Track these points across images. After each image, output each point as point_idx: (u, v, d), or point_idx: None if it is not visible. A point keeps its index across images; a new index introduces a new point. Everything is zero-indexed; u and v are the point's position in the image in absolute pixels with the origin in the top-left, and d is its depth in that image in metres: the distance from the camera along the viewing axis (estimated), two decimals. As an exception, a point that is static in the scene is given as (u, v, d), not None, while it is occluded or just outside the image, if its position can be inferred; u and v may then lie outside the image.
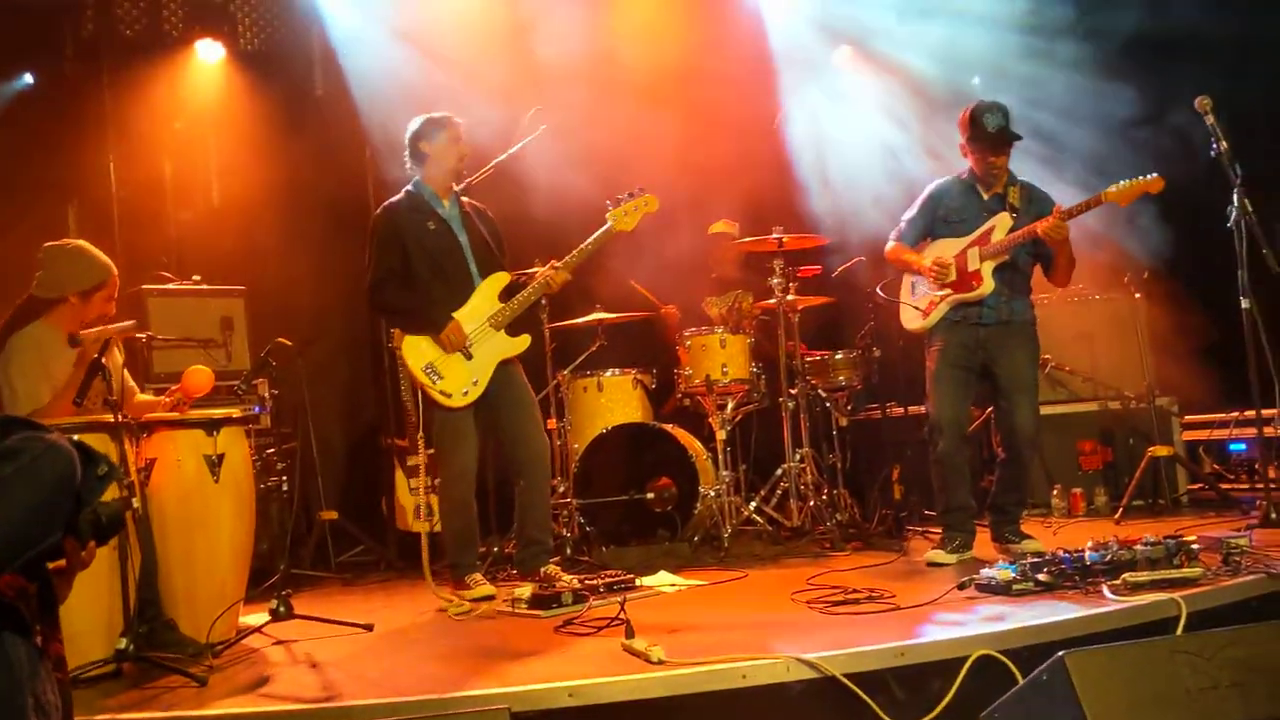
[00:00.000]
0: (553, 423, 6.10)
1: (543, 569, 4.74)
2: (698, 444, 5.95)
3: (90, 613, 3.61)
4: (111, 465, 1.89)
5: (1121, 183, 4.58)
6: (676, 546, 5.55)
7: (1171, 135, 5.71)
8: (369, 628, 4.12)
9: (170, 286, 6.25)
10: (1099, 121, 6.55)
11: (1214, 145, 4.80)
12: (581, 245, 4.86)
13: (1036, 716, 2.62)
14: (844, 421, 6.37)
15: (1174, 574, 3.64)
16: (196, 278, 6.36)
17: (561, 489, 5.89)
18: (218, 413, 4.25)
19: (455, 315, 4.74)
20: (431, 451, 4.97)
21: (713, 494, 5.66)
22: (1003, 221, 4.87)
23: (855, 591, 4.05)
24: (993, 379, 4.91)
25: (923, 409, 5.21)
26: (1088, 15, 6.93)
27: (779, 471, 5.95)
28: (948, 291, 4.94)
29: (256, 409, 4.67)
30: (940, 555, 4.80)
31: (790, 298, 5.95)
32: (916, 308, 5.09)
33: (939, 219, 5.05)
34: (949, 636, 3.19)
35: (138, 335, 4.72)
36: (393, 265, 4.78)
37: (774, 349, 5.99)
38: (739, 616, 4.01)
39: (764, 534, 5.67)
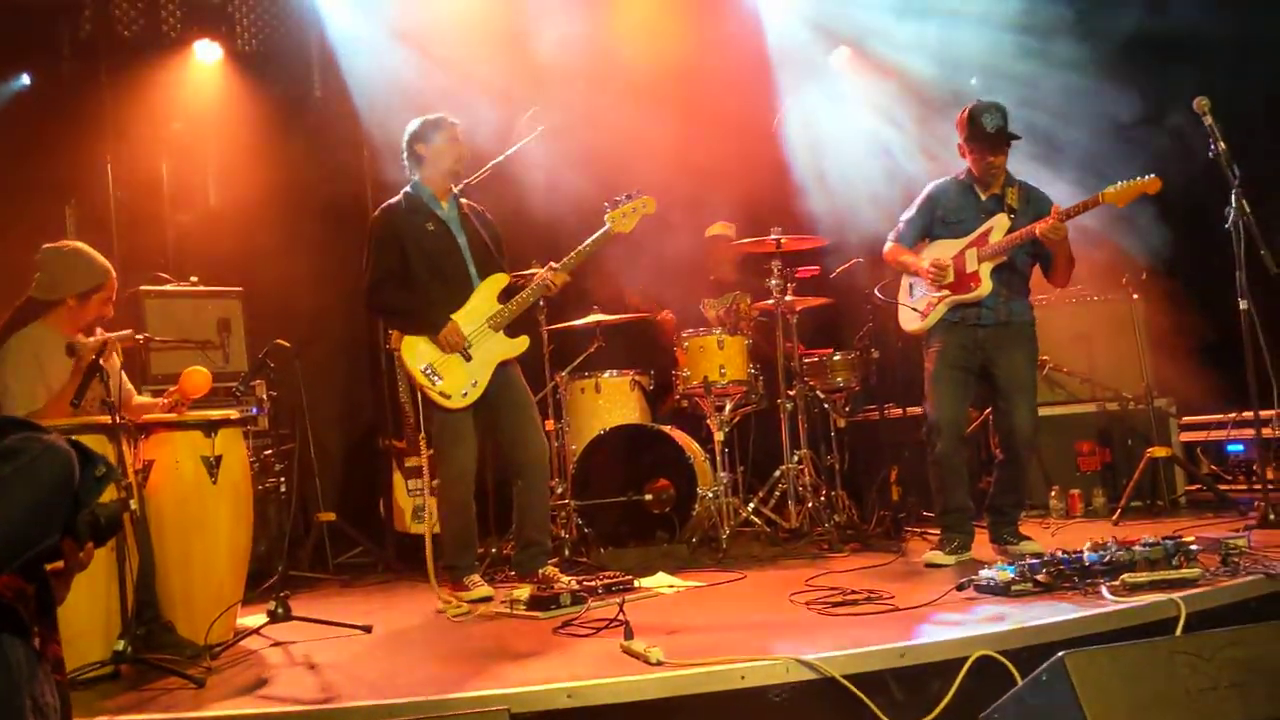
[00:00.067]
0: (551, 424, 6.10)
1: (541, 570, 4.74)
2: (696, 445, 5.95)
3: (88, 614, 3.60)
4: (110, 466, 1.88)
5: (1119, 184, 4.58)
6: (675, 548, 5.55)
7: (1170, 136, 5.71)
8: (367, 629, 4.12)
9: (168, 288, 6.25)
10: (1097, 122, 6.55)
11: (1212, 146, 4.80)
12: (580, 247, 4.86)
13: (1036, 717, 2.61)
14: (842, 423, 6.37)
15: (1173, 575, 3.64)
16: (194, 279, 6.37)
17: (559, 490, 5.88)
18: (215, 414, 4.24)
19: (454, 316, 4.73)
20: (431, 453, 4.97)
21: (711, 495, 5.66)
22: (1000, 223, 4.87)
23: (854, 592, 4.05)
24: (991, 380, 4.91)
25: (921, 410, 5.21)
26: (1086, 15, 6.93)
27: (777, 473, 5.94)
28: (946, 293, 4.94)
29: (254, 410, 4.67)
30: (939, 556, 4.80)
31: (788, 299, 5.95)
32: (915, 309, 5.09)
33: (937, 220, 5.05)
34: (948, 637, 3.19)
35: (136, 337, 4.72)
36: (391, 266, 4.78)
37: (772, 350, 5.99)
38: (737, 618, 4.01)
39: (762, 535, 5.67)
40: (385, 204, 4.93)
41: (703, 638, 3.53)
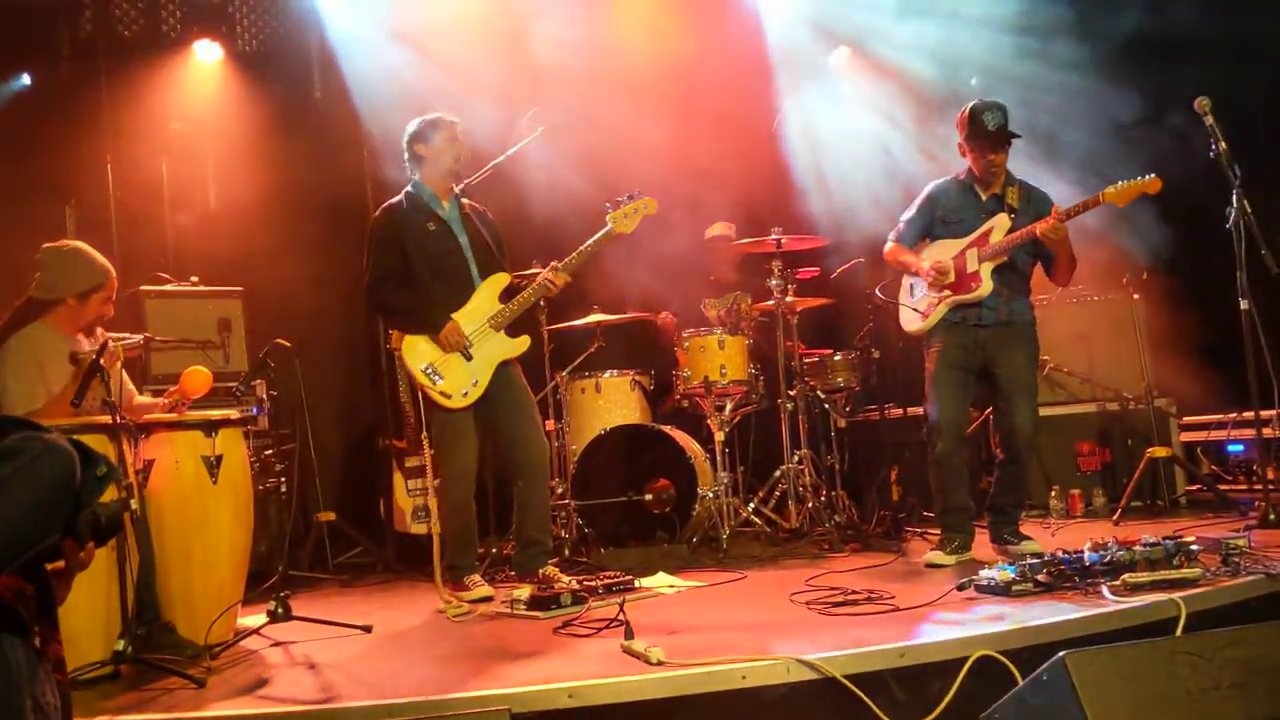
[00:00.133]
0: (551, 424, 6.10)
1: (541, 570, 4.74)
2: (696, 445, 5.95)
3: (88, 614, 3.60)
4: (111, 466, 1.88)
5: (1120, 183, 4.58)
6: (675, 548, 5.55)
7: (1170, 136, 5.71)
8: (368, 629, 4.12)
9: (168, 288, 6.25)
10: (1097, 122, 6.55)
11: (1213, 146, 4.80)
12: (581, 247, 4.85)
13: (1037, 717, 2.61)
14: (842, 423, 6.37)
15: (1173, 575, 3.64)
16: (194, 279, 6.37)
17: (560, 490, 5.89)
18: (216, 414, 4.24)
19: (454, 316, 4.73)
20: (432, 452, 4.97)
21: (711, 495, 5.66)
22: (1001, 223, 4.87)
23: (854, 593, 4.05)
24: (992, 380, 4.91)
25: (921, 410, 5.21)
26: (1087, 15, 6.93)
27: (777, 473, 5.95)
28: (946, 293, 4.94)
29: (255, 410, 4.66)
30: (939, 557, 4.80)
31: (789, 299, 5.95)
32: (915, 309, 5.09)
33: (937, 220, 5.05)
34: (949, 637, 3.19)
35: (135, 337, 4.72)
36: (392, 266, 4.78)
37: (773, 350, 5.99)
38: (738, 617, 4.00)
39: (762, 535, 5.67)
40: (386, 203, 4.93)
41: (703, 638, 3.53)
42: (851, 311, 6.71)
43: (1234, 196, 4.82)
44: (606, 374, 6.23)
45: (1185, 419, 6.84)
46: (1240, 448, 6.72)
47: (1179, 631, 3.25)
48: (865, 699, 2.94)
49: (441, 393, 4.69)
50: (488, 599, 4.59)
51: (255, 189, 6.98)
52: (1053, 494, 6.37)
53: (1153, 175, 4.54)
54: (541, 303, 5.55)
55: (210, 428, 4.12)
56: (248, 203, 6.97)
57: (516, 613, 4.23)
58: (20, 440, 1.76)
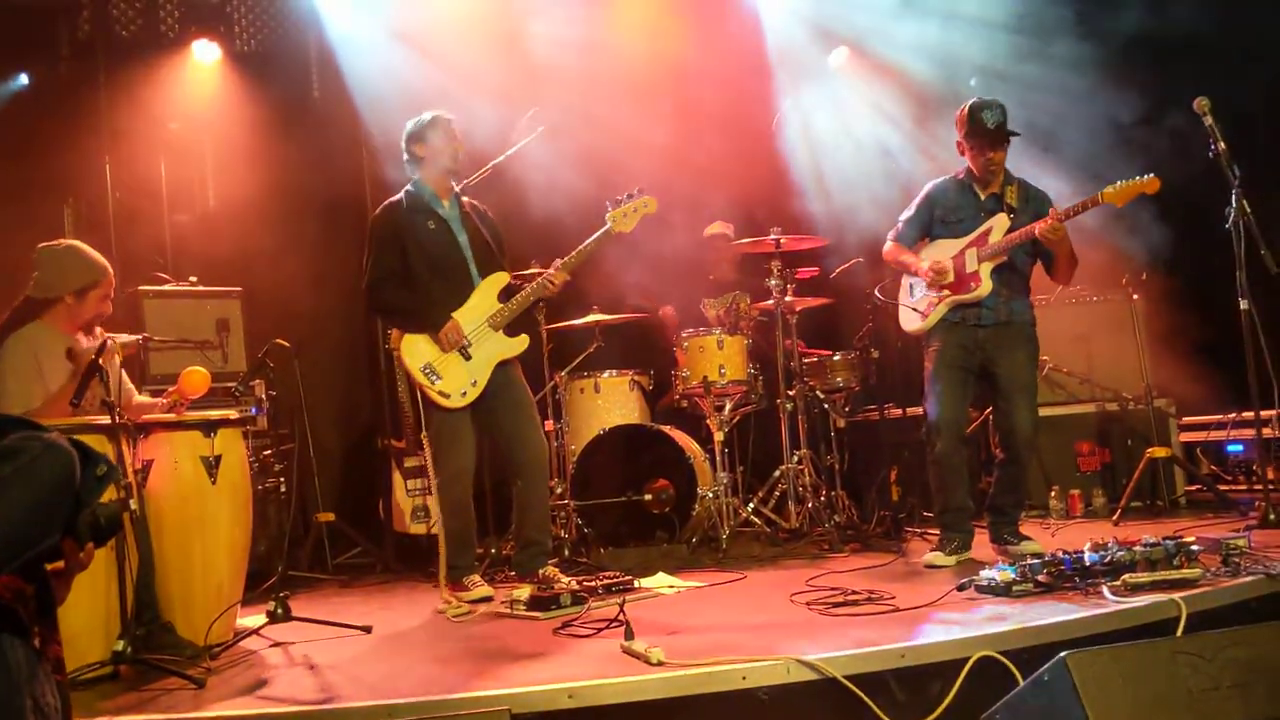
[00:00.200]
0: (550, 424, 6.09)
1: (541, 570, 4.73)
2: (695, 445, 5.95)
3: (88, 614, 3.60)
4: (111, 465, 1.87)
5: (1118, 183, 4.58)
6: (674, 548, 5.55)
7: (1170, 136, 5.71)
8: (367, 630, 4.11)
9: (166, 288, 6.24)
10: (1097, 122, 6.55)
11: (1212, 146, 4.80)
12: (580, 246, 4.85)
13: (1038, 717, 2.61)
14: (842, 423, 6.37)
15: (1173, 575, 3.63)
16: (193, 279, 6.36)
17: (559, 490, 5.88)
18: (215, 414, 4.24)
19: (454, 315, 4.72)
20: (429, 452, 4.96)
21: (710, 495, 5.65)
22: (1000, 222, 4.87)
23: (855, 593, 4.05)
24: (992, 380, 4.91)
25: (921, 410, 5.20)
26: (1086, 15, 6.93)
27: (777, 473, 5.95)
28: (946, 293, 4.93)
29: (254, 410, 4.64)
30: (938, 557, 4.80)
31: (788, 299, 5.95)
32: (915, 309, 5.08)
33: (936, 219, 5.04)
34: (949, 638, 3.18)
35: (134, 337, 4.71)
36: (392, 265, 4.77)
37: (772, 350, 5.99)
38: (738, 618, 4.00)
39: (762, 535, 5.67)
40: (387, 202, 4.93)
41: (703, 638, 3.53)
42: (851, 311, 6.71)
43: (1233, 197, 4.82)
44: (605, 374, 6.23)
45: (1185, 419, 6.84)
46: (1240, 448, 6.71)
47: (1179, 632, 3.25)
48: (866, 699, 2.94)
49: (440, 392, 4.68)
50: (487, 599, 4.59)
51: (254, 189, 6.97)
52: (1052, 494, 6.37)
53: (1151, 175, 4.53)
54: (540, 303, 5.54)
55: (209, 428, 4.12)
56: (246, 203, 6.97)
57: (516, 613, 4.23)
58: (20, 440, 1.76)
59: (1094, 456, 6.55)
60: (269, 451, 6.08)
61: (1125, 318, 6.50)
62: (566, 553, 5.68)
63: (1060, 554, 3.84)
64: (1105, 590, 3.57)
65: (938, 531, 5.02)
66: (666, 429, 5.92)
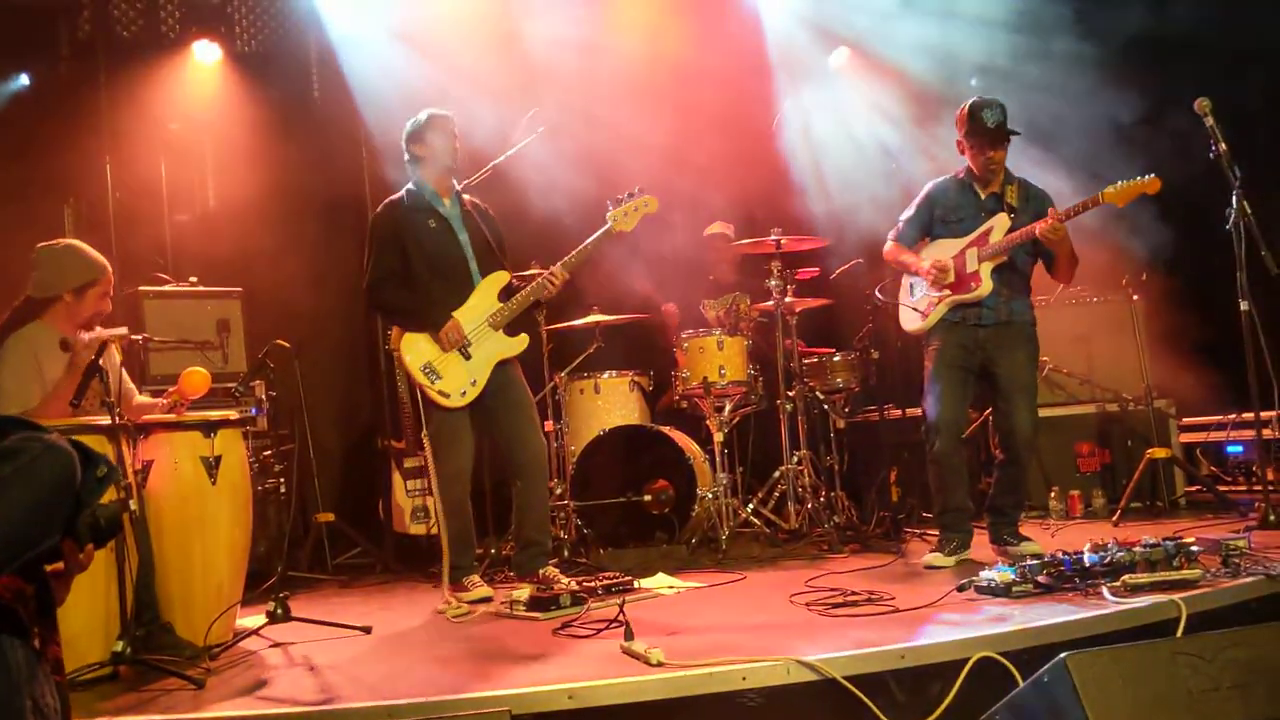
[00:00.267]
0: (550, 425, 6.09)
1: (541, 571, 4.73)
2: (695, 446, 5.95)
3: (87, 615, 3.60)
4: (111, 466, 1.87)
5: (1119, 183, 4.58)
6: (674, 548, 5.55)
7: (1170, 136, 5.71)
8: (367, 630, 4.12)
9: (167, 288, 6.24)
10: (1097, 122, 6.55)
11: (1213, 147, 4.80)
12: (581, 246, 4.85)
13: (1038, 718, 2.61)
14: (842, 424, 6.37)
15: (1173, 576, 3.63)
16: (193, 279, 6.36)
17: (559, 491, 5.88)
18: (215, 415, 4.23)
19: (454, 314, 4.72)
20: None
21: (710, 496, 5.65)
22: (1001, 222, 4.87)
23: (854, 593, 4.05)
24: (992, 380, 4.91)
25: (920, 411, 5.20)
26: (1086, 15, 6.94)
27: (776, 474, 5.94)
28: (946, 293, 4.93)
29: (253, 411, 4.64)
30: (938, 558, 4.79)
31: (788, 300, 5.95)
32: (915, 309, 5.08)
33: (937, 219, 5.04)
34: (949, 638, 3.18)
35: (134, 337, 4.71)
36: (392, 264, 4.77)
37: (772, 351, 5.99)
38: (738, 618, 4.00)
39: (761, 536, 5.66)
40: (387, 200, 4.92)
41: (703, 639, 3.53)
42: (851, 312, 6.71)
43: (1234, 197, 4.82)
44: (605, 374, 6.23)
45: (1185, 420, 6.85)
46: (1239, 449, 6.72)
47: (1179, 633, 3.25)
48: (865, 700, 2.94)
49: (440, 392, 4.68)
50: (487, 600, 4.59)
51: (254, 189, 6.97)
52: (1052, 495, 6.37)
53: (1152, 175, 4.53)
54: (541, 305, 5.52)
55: (209, 428, 4.11)
56: (247, 203, 6.97)
57: (516, 614, 4.22)
58: (20, 441, 1.76)
59: (1094, 457, 6.55)
60: (269, 452, 6.07)
61: (1125, 318, 6.50)
62: (566, 553, 5.67)
63: (1060, 555, 3.84)
64: (1105, 591, 3.57)
65: (937, 532, 5.02)
66: (666, 430, 5.92)
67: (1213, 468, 6.87)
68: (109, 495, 1.93)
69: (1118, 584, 3.59)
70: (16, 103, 6.90)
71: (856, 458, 6.64)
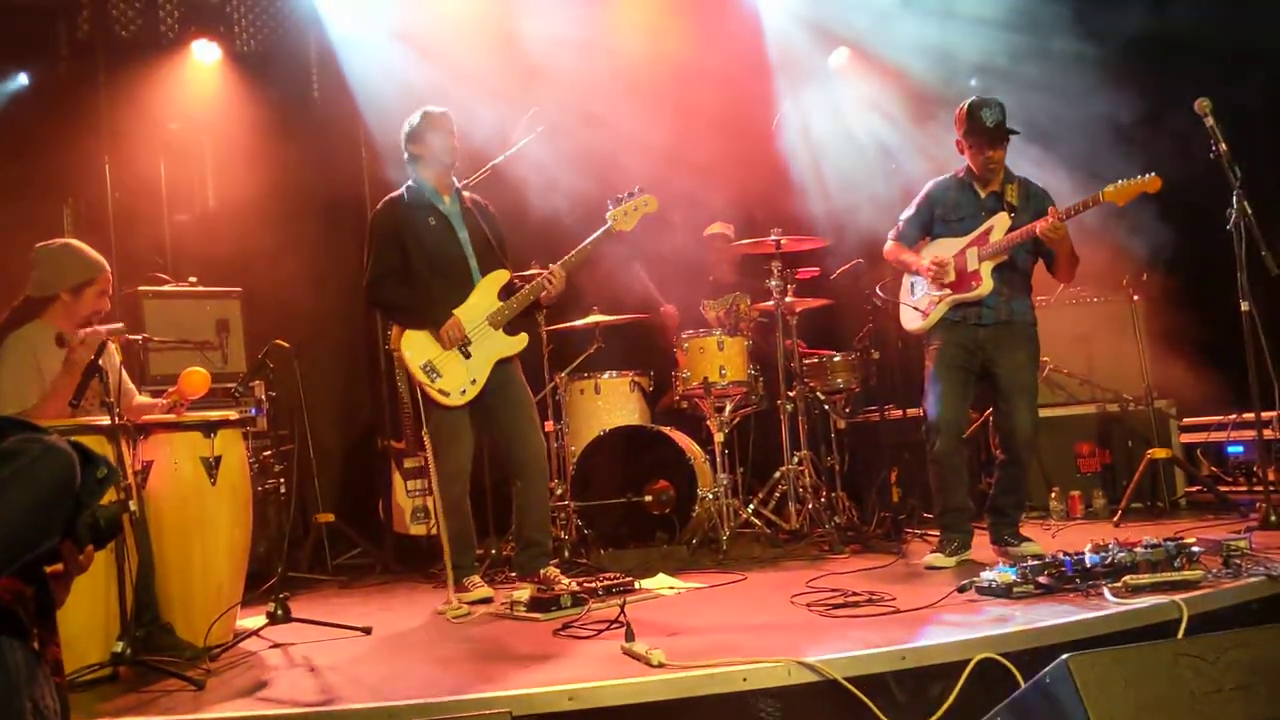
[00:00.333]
0: (550, 425, 6.09)
1: (541, 571, 4.73)
2: (695, 446, 5.95)
3: (87, 616, 3.59)
4: (111, 467, 1.86)
5: (1119, 182, 4.58)
6: (675, 549, 5.54)
7: (1170, 136, 5.71)
8: (367, 631, 4.11)
9: (166, 288, 6.24)
10: (1098, 122, 6.55)
11: (1214, 147, 4.80)
12: (581, 245, 4.84)
13: (1040, 719, 2.60)
14: (842, 424, 6.37)
15: (1175, 577, 3.63)
16: (192, 279, 6.36)
17: (559, 491, 5.87)
18: (214, 415, 4.23)
19: (455, 312, 4.71)
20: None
21: (711, 496, 5.65)
22: (1001, 221, 4.87)
23: (855, 594, 4.04)
24: (992, 380, 4.90)
25: (921, 411, 5.20)
26: (1086, 15, 6.93)
27: (777, 474, 5.94)
28: (947, 292, 4.93)
29: (253, 411, 4.64)
30: (939, 559, 4.79)
31: (788, 300, 5.94)
32: (916, 308, 5.08)
33: (937, 218, 5.04)
34: (950, 639, 3.18)
35: (133, 337, 4.70)
36: (391, 262, 4.77)
37: (772, 351, 5.98)
38: (738, 619, 3.99)
39: (762, 536, 5.66)
40: (387, 198, 4.92)
41: (704, 639, 3.52)
42: (851, 312, 6.71)
43: (1234, 198, 4.82)
44: (606, 375, 6.23)
45: (1185, 420, 6.84)
46: (1240, 449, 6.71)
47: (1181, 634, 3.25)
48: (866, 701, 2.93)
49: (440, 390, 4.68)
50: (487, 600, 4.58)
51: (254, 189, 6.97)
52: (1053, 495, 6.36)
53: (1152, 174, 4.53)
54: (541, 308, 5.50)
55: (209, 429, 4.11)
56: (246, 203, 6.97)
57: (516, 614, 4.22)
58: (20, 442, 1.75)
59: (1094, 458, 6.55)
60: (269, 452, 6.06)
61: (1126, 318, 6.49)
62: (567, 554, 5.67)
63: (1061, 555, 3.84)
64: (1106, 592, 3.56)
65: (938, 533, 5.02)
66: (667, 430, 5.91)
67: (1213, 468, 6.87)
68: (109, 496, 1.92)
69: (1119, 585, 3.59)
70: (16, 102, 6.89)
71: (857, 458, 6.63)
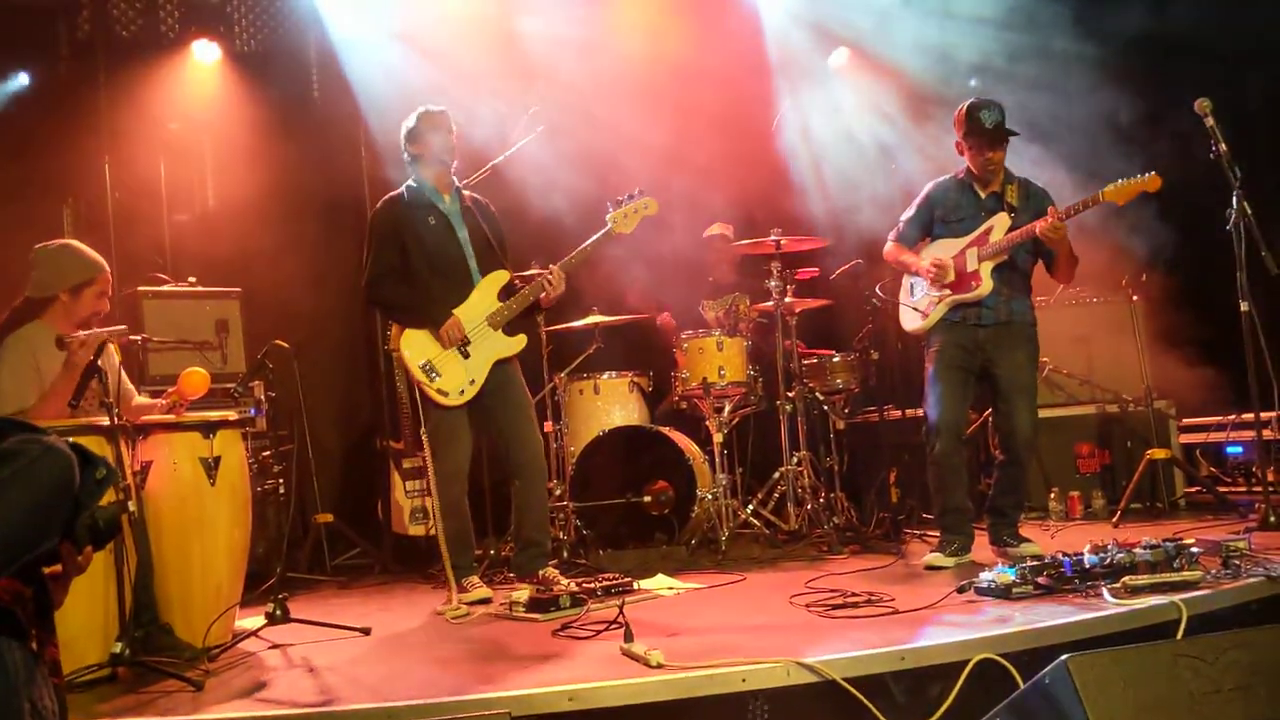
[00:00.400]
0: (550, 425, 6.09)
1: (540, 571, 4.72)
2: (695, 447, 5.95)
3: (86, 617, 3.59)
4: (110, 468, 1.86)
5: (1119, 181, 4.58)
6: (674, 549, 5.54)
7: (1170, 136, 5.71)
8: (366, 631, 4.11)
9: (165, 288, 6.24)
10: (1098, 122, 6.55)
11: (1214, 147, 4.80)
12: (580, 247, 4.84)
13: (1040, 719, 2.61)
14: (841, 424, 6.37)
15: (1174, 577, 3.63)
16: (192, 279, 6.36)
17: (558, 492, 5.87)
18: (214, 415, 4.23)
19: (455, 312, 4.71)
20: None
21: (710, 497, 5.65)
22: (1001, 221, 4.87)
23: (854, 595, 4.04)
24: (992, 381, 4.90)
25: (920, 412, 5.20)
26: (1086, 16, 6.93)
27: (776, 474, 5.94)
28: (946, 292, 4.93)
29: (253, 411, 4.65)
30: (938, 559, 4.79)
31: (787, 300, 5.94)
32: (916, 309, 5.08)
33: (937, 219, 5.04)
34: (949, 640, 3.18)
35: (133, 337, 4.70)
36: (391, 260, 4.76)
37: (771, 352, 5.98)
38: (738, 620, 3.99)
39: (761, 537, 5.66)
40: (387, 196, 4.91)
41: (703, 640, 3.52)
42: (850, 313, 6.70)
43: (1234, 198, 4.82)
44: (605, 375, 6.23)
45: (1184, 421, 6.84)
46: (1239, 449, 6.71)
47: (1180, 634, 3.25)
48: (865, 702, 2.93)
49: (438, 390, 4.68)
50: (486, 601, 4.58)
51: (253, 189, 6.97)
52: (1052, 496, 6.36)
53: (1152, 173, 4.53)
54: (540, 310, 5.49)
55: (208, 429, 4.11)
56: (246, 203, 6.96)
57: (515, 615, 4.22)
58: (19, 443, 1.75)
59: (1094, 458, 6.55)
60: (268, 453, 6.07)
61: (1125, 319, 6.49)
62: (566, 554, 5.66)
63: (1060, 556, 3.84)
64: (1105, 592, 3.56)
65: (937, 533, 5.01)
66: (666, 430, 5.91)
67: (1212, 468, 6.87)
68: (108, 497, 1.92)
69: (1118, 585, 3.59)
70: (16, 102, 6.89)
71: (856, 458, 6.63)
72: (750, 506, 5.84)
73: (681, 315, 6.91)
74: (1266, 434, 5.37)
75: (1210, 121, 4.81)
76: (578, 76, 6.72)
